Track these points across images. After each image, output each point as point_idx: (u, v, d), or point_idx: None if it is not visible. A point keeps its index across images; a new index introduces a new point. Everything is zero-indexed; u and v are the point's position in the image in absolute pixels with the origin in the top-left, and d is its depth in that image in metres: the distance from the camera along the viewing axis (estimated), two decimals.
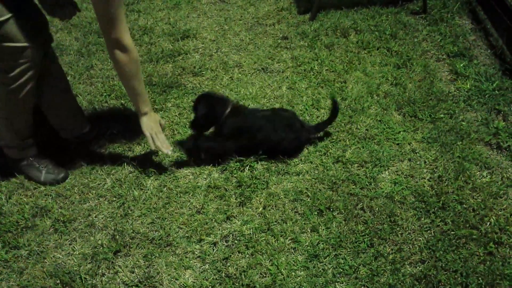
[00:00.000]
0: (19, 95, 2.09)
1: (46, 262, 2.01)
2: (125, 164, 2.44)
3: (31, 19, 2.00)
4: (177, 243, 2.06)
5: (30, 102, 2.18)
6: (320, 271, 1.93)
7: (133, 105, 2.33)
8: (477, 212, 2.14)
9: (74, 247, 2.07)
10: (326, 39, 3.38)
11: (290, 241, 2.05)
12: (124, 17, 1.93)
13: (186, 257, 2.01)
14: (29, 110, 2.22)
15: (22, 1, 1.99)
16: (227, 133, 2.36)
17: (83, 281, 1.93)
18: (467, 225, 2.09)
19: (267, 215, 2.17)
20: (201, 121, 2.39)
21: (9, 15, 1.87)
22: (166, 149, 2.26)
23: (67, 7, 2.24)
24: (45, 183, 2.34)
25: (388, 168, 2.38)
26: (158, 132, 2.25)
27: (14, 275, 1.97)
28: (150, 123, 2.23)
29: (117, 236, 2.08)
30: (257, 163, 2.41)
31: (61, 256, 2.03)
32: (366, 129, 2.60)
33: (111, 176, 2.39)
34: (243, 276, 1.91)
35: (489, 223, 2.07)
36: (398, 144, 2.51)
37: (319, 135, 2.54)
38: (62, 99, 2.41)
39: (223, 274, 1.94)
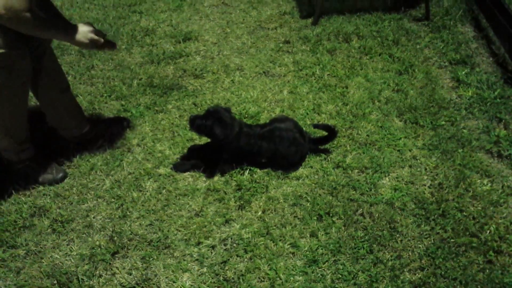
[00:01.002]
0: (13, 101, 2.07)
1: (43, 262, 2.00)
2: (125, 165, 2.43)
3: None
4: (175, 245, 2.05)
5: (23, 106, 2.17)
6: (318, 276, 1.92)
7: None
8: (477, 220, 2.13)
9: (71, 247, 2.05)
10: (328, 44, 3.38)
11: (289, 246, 2.04)
12: None
13: (184, 260, 2.00)
14: (24, 114, 2.20)
15: None
16: (231, 155, 2.36)
17: (80, 282, 1.92)
18: (467, 233, 2.08)
19: (266, 219, 2.16)
20: (214, 139, 2.34)
21: None
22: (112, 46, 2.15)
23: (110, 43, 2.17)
24: (43, 183, 2.32)
25: (389, 174, 2.37)
26: (94, 31, 2.05)
27: (11, 275, 1.96)
28: (79, 30, 2.00)
29: (115, 238, 2.07)
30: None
31: (58, 257, 2.02)
32: (367, 135, 2.59)
33: (110, 177, 2.38)
34: (241, 280, 1.90)
35: (489, 231, 2.06)
36: (399, 150, 2.50)
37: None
38: (61, 98, 2.40)
39: (221, 278, 1.93)
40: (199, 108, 2.80)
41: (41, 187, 2.32)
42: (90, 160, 2.46)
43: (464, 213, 2.17)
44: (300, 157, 2.42)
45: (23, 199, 2.27)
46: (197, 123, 2.28)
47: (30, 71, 2.05)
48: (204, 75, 3.11)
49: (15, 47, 1.91)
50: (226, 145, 2.29)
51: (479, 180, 2.33)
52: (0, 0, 1.69)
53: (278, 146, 2.33)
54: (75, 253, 2.03)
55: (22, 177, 2.35)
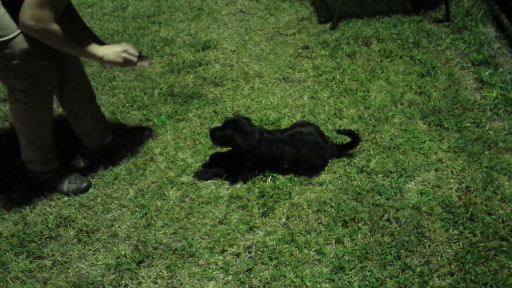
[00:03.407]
0: (38, 112, 2.11)
1: (69, 272, 2.01)
2: (148, 174, 2.44)
3: None
4: (200, 253, 2.05)
5: (49, 117, 2.20)
6: (345, 283, 1.89)
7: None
8: (507, 224, 2.08)
9: (97, 257, 2.07)
10: (347, 48, 3.36)
11: (314, 253, 2.02)
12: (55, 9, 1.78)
13: (209, 268, 1.99)
14: (48, 126, 2.24)
15: None
16: (254, 162, 2.35)
17: None
18: (497, 237, 2.03)
19: (290, 226, 2.14)
20: (236, 149, 2.33)
21: (18, 31, 1.84)
22: (145, 62, 2.16)
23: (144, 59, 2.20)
24: (68, 193, 2.35)
25: (414, 178, 2.33)
26: (128, 51, 2.08)
27: (38, 285, 1.97)
28: (113, 51, 2.04)
29: (140, 247, 2.08)
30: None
31: (84, 267, 2.03)
32: (391, 139, 2.56)
33: (134, 186, 2.39)
34: None
35: None
36: (423, 153, 2.46)
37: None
38: (86, 108, 2.43)
39: (247, 286, 1.92)
40: (219, 116, 2.80)
41: (66, 198, 2.35)
42: (113, 169, 2.48)
43: (493, 216, 2.12)
44: (323, 161, 2.39)
45: (49, 209, 2.29)
46: (218, 135, 2.29)
47: (56, 81, 2.08)
48: (224, 82, 3.12)
49: (41, 58, 1.94)
50: (248, 152, 2.29)
51: (507, 182, 2.28)
52: (29, 11, 1.72)
53: (300, 150, 2.32)
54: (101, 263, 2.04)
55: (47, 188, 2.38)
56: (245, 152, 2.28)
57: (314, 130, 2.42)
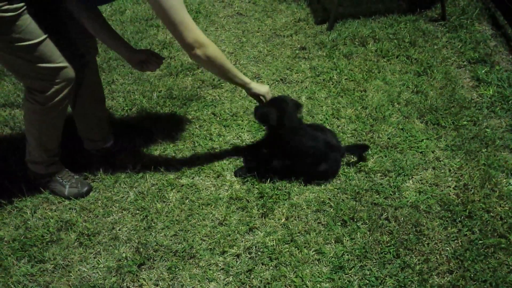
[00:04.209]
0: (53, 114, 2.12)
1: (71, 276, 2.02)
2: (148, 176, 2.45)
3: (67, 39, 2.05)
4: (200, 255, 2.06)
5: (62, 120, 2.22)
6: (345, 282, 1.91)
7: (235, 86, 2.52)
8: (505, 221, 2.10)
9: (98, 260, 2.08)
10: (344, 48, 3.38)
11: (314, 253, 2.03)
12: (188, 16, 1.92)
13: (209, 270, 2.00)
14: (60, 128, 2.25)
15: (58, 22, 2.03)
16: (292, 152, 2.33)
17: None
18: (495, 234, 2.04)
19: (290, 226, 2.15)
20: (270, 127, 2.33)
21: (44, 36, 1.90)
22: None
23: (151, 62, 2.32)
24: (69, 197, 2.36)
25: (412, 177, 2.35)
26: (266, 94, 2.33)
27: None
28: (259, 87, 2.29)
29: (141, 249, 2.09)
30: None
31: (86, 270, 2.04)
32: (388, 138, 2.57)
33: (134, 189, 2.40)
34: None
35: None
36: (421, 152, 2.48)
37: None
38: (95, 110, 2.46)
39: (247, 287, 1.93)
40: (218, 118, 2.82)
41: (66, 201, 2.36)
42: (113, 172, 2.49)
43: (491, 213, 2.13)
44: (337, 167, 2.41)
45: (50, 213, 2.30)
46: (258, 112, 2.31)
47: (75, 84, 2.11)
48: (222, 84, 3.13)
49: (63, 60, 1.99)
50: (280, 135, 2.29)
51: (505, 180, 2.29)
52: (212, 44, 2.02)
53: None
54: (102, 266, 2.05)
55: (47, 191, 2.39)
56: (275, 132, 2.29)
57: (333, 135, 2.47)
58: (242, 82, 2.22)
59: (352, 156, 2.48)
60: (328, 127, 2.67)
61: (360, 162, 2.44)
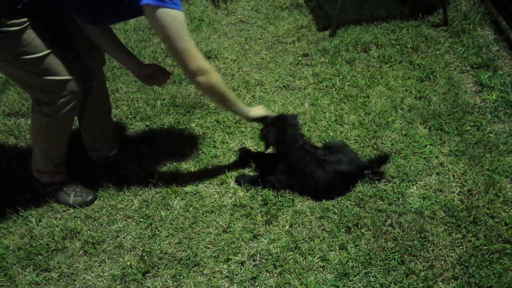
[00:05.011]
0: (60, 125, 2.14)
1: (76, 284, 2.03)
2: (151, 185, 2.46)
3: (74, 52, 2.07)
4: (204, 263, 2.06)
5: (68, 131, 2.24)
6: None
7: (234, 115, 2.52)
8: (510, 226, 2.09)
9: (103, 268, 2.08)
10: (347, 54, 3.38)
11: (318, 260, 2.03)
12: (193, 44, 1.93)
13: (214, 277, 2.00)
14: (66, 138, 2.27)
15: (66, 35, 2.05)
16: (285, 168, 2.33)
17: None
18: (500, 240, 2.04)
19: (294, 233, 2.15)
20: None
21: (50, 49, 1.92)
22: None
23: (158, 77, 2.40)
24: (74, 205, 2.37)
25: (416, 183, 2.34)
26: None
27: None
28: (257, 112, 2.29)
29: (146, 257, 2.09)
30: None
31: (91, 278, 2.05)
32: (392, 144, 2.57)
33: (138, 197, 2.41)
34: None
35: None
36: (425, 158, 2.48)
37: None
38: (100, 120, 2.47)
39: None
40: (221, 125, 2.82)
41: (71, 210, 2.37)
42: (118, 181, 2.50)
43: (495, 219, 2.13)
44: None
45: (55, 222, 2.31)
46: (262, 133, 2.34)
47: (81, 96, 2.13)
48: None
49: (70, 73, 2.00)
50: (283, 152, 2.30)
51: (509, 185, 2.29)
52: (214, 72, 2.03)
53: (331, 180, 2.26)
54: (107, 274, 2.06)
55: (52, 200, 2.40)
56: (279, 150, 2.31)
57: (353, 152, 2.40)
58: (241, 111, 2.23)
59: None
60: (331, 133, 2.67)
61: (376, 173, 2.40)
